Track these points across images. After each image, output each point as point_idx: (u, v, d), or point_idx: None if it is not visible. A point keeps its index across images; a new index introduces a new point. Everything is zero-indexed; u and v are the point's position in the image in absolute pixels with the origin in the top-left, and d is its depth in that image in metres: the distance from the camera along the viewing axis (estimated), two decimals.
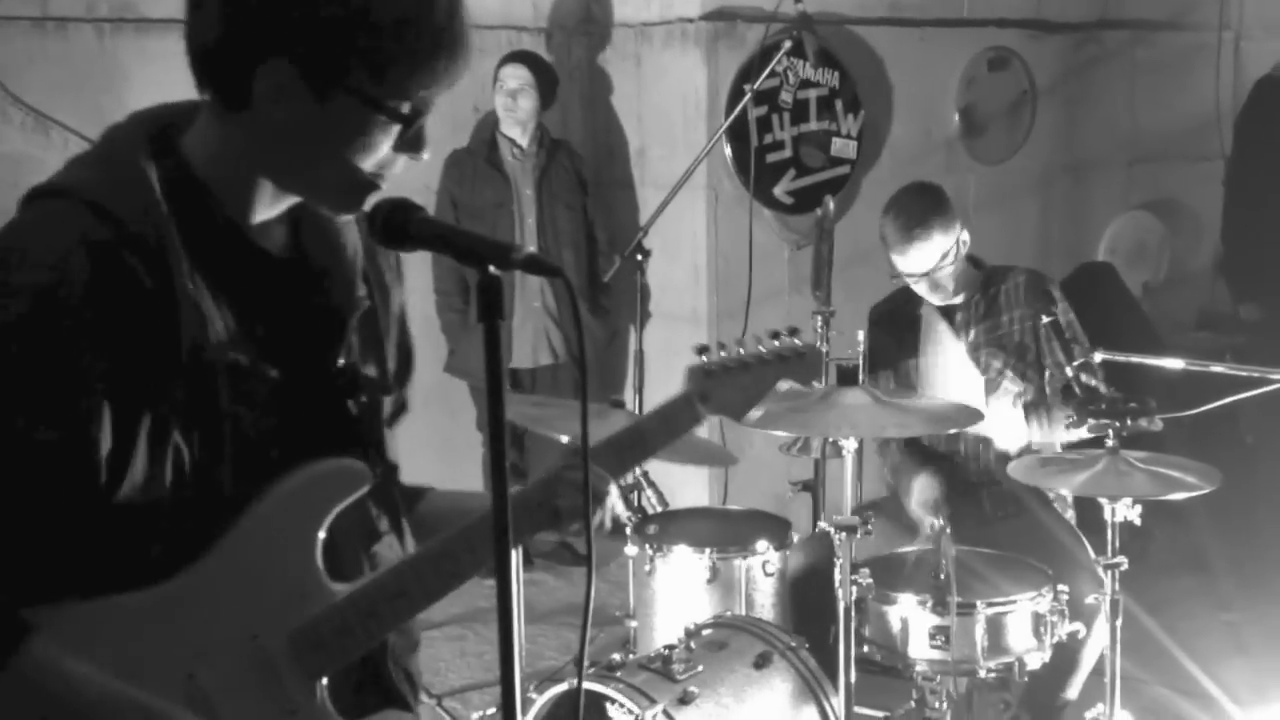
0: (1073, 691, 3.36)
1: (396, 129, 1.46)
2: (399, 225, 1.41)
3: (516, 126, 4.98)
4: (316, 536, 1.51)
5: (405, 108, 1.45)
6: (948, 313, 3.62)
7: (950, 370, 3.59)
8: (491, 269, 1.34)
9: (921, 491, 3.46)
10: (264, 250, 1.53)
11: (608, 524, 1.75)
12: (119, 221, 1.40)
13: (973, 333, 3.59)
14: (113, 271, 1.39)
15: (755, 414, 2.07)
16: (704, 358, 1.90)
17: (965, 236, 3.53)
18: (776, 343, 1.96)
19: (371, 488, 1.57)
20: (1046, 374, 3.53)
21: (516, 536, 1.58)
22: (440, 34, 1.42)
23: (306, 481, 1.51)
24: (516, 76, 4.95)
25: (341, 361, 1.59)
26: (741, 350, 1.92)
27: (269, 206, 1.53)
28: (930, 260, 3.47)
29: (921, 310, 3.63)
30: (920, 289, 3.56)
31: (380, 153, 1.47)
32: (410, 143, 1.49)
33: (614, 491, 1.73)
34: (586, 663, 1.40)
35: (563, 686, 2.83)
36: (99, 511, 1.41)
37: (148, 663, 1.44)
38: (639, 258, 4.22)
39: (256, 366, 1.50)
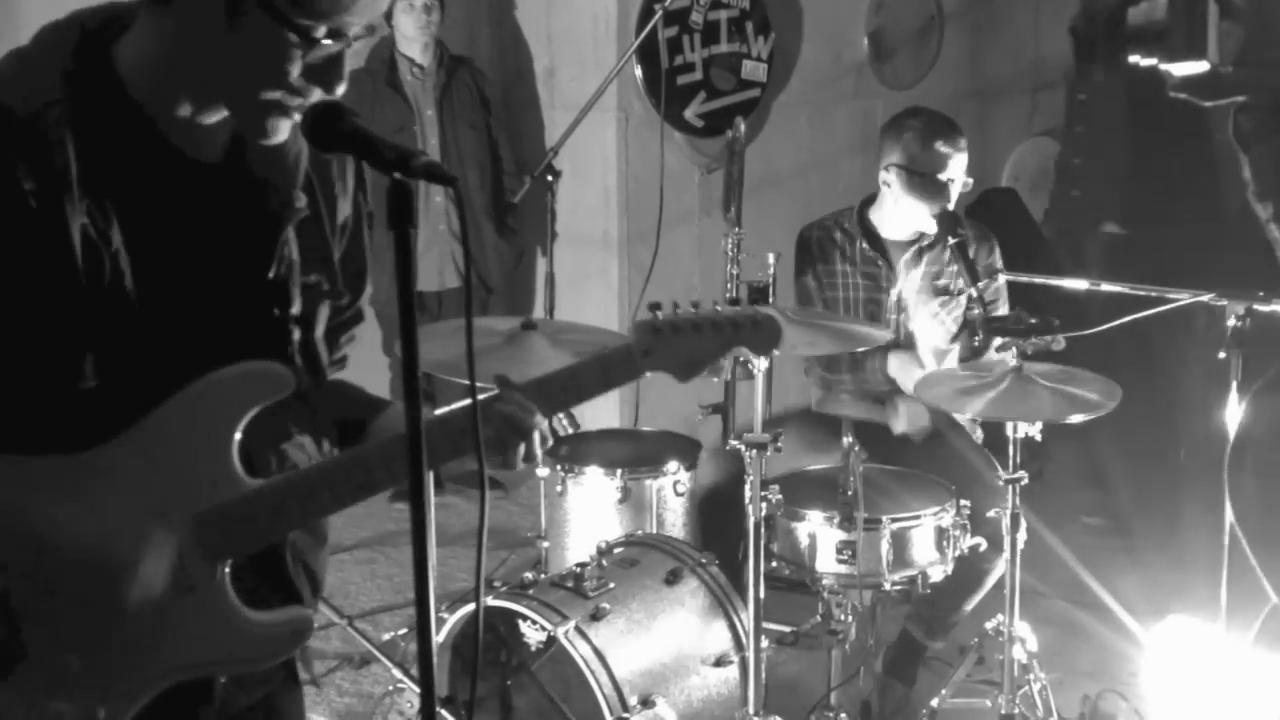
0: (969, 606, 3.44)
1: (305, 53, 1.44)
2: (326, 124, 1.44)
3: (417, 45, 4.88)
4: (234, 431, 1.55)
5: (319, 32, 1.43)
6: (899, 246, 3.60)
7: (885, 300, 3.61)
8: (397, 176, 1.35)
9: (913, 419, 3.51)
10: (181, 152, 1.54)
11: (538, 456, 1.71)
12: (7, 110, 1.43)
13: (913, 273, 3.59)
14: None
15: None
16: (656, 314, 1.82)
17: None
18: (734, 309, 1.85)
19: (294, 392, 1.59)
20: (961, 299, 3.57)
21: (436, 459, 1.61)
22: None
23: (231, 379, 1.55)
24: None
25: (272, 273, 1.61)
26: (695, 310, 1.84)
27: (199, 112, 1.52)
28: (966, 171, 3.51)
29: (859, 242, 3.61)
30: (937, 206, 3.47)
31: (290, 77, 1.46)
32: (321, 71, 1.47)
33: (541, 425, 1.69)
34: (493, 580, 1.42)
35: (473, 605, 2.84)
36: None
37: (61, 521, 1.50)
38: (549, 178, 4.17)
39: (163, 266, 1.52)
